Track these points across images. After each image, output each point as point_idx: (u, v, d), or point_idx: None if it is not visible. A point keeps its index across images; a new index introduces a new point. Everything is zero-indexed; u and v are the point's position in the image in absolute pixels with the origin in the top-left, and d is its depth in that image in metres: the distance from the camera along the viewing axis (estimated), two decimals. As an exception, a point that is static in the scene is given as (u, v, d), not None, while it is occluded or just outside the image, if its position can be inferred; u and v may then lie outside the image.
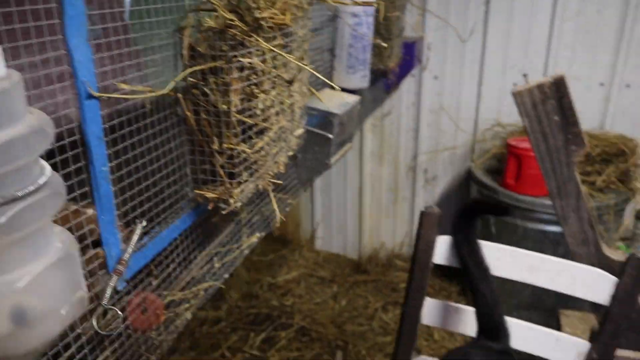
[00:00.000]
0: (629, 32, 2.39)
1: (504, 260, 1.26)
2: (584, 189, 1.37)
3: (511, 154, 2.19)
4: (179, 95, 0.90)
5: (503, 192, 2.23)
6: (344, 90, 1.68)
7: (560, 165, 1.34)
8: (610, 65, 2.46)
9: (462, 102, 2.70)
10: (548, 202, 2.13)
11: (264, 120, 0.99)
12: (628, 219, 2.36)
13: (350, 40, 1.60)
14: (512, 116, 2.61)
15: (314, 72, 1.08)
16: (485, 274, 1.21)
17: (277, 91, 1.02)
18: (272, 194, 1.13)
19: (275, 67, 0.98)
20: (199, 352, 2.42)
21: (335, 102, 1.47)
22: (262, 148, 1.01)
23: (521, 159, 2.15)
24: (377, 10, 1.87)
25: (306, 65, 1.08)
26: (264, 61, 0.95)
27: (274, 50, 0.89)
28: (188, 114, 0.92)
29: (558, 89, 1.27)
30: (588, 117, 2.54)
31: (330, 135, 1.43)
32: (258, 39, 0.86)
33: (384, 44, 1.89)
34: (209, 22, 0.85)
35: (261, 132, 1.00)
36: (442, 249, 1.33)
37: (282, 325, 2.59)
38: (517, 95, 1.30)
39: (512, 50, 2.56)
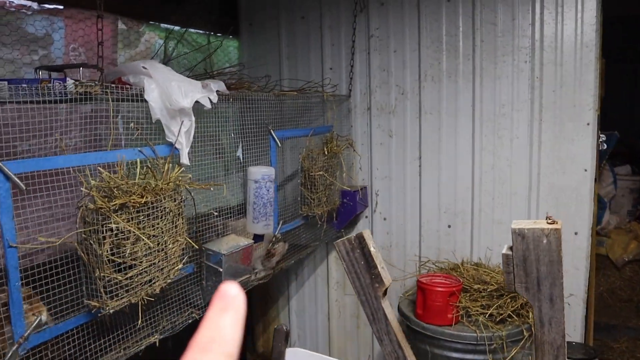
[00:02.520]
0: (536, 184, 2.93)
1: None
2: (392, 316, 1.90)
3: (419, 288, 2.70)
4: (76, 243, 1.64)
5: (415, 321, 2.71)
6: (255, 235, 2.39)
7: (370, 298, 1.90)
8: (525, 210, 2.98)
9: (407, 240, 3.28)
10: (449, 331, 2.59)
11: (133, 260, 1.70)
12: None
13: (253, 198, 2.33)
14: (447, 254, 3.14)
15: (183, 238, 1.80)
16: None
17: (145, 242, 1.73)
18: (140, 303, 1.80)
19: (142, 228, 1.71)
20: None
21: (230, 244, 2.17)
22: (131, 277, 1.71)
23: (425, 292, 2.65)
24: (302, 169, 2.63)
25: (173, 226, 1.81)
26: (136, 224, 1.68)
27: (122, 223, 1.63)
28: (82, 254, 1.65)
29: (360, 242, 1.88)
30: (514, 257, 3.00)
31: (220, 269, 2.11)
32: (114, 216, 1.60)
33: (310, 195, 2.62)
34: (92, 206, 1.61)
35: (131, 267, 1.71)
36: (290, 358, 1.90)
37: None
38: (336, 245, 1.92)
39: (443, 197, 3.16)
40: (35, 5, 2.63)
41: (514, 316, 2.61)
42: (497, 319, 2.59)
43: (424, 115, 3.20)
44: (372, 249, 1.87)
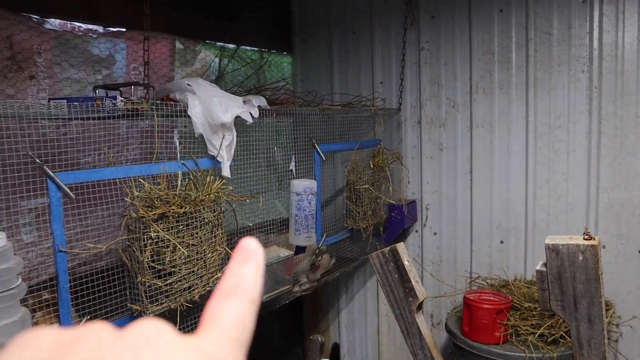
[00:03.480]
0: (595, 199, 2.81)
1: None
2: (427, 331, 1.89)
3: (465, 305, 2.64)
4: (120, 249, 1.77)
5: (461, 338, 2.65)
6: (297, 247, 2.45)
7: (404, 312, 1.90)
8: (583, 227, 2.85)
9: (457, 255, 3.22)
10: (495, 349, 2.52)
11: (172, 267, 1.80)
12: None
13: (295, 211, 2.39)
14: (499, 271, 3.05)
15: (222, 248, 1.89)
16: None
17: (186, 250, 1.83)
18: (179, 309, 1.89)
19: (182, 237, 1.81)
20: None
21: (270, 255, 2.24)
22: (170, 283, 1.81)
23: (472, 309, 2.60)
24: (347, 183, 2.67)
25: (212, 236, 1.90)
26: (175, 233, 1.79)
27: (161, 232, 1.73)
28: (125, 260, 1.77)
29: (394, 255, 1.88)
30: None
31: (260, 278, 2.17)
32: (154, 225, 1.71)
33: (355, 209, 2.65)
34: (134, 215, 1.73)
35: (170, 274, 1.81)
36: (323, 368, 1.93)
37: None
38: (370, 258, 1.94)
39: (495, 212, 3.08)
40: (100, 29, 2.84)
41: (567, 337, 2.50)
42: (549, 340, 2.50)
43: (475, 129, 3.15)
44: (406, 263, 1.87)
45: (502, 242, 3.09)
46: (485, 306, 2.56)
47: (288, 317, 3.73)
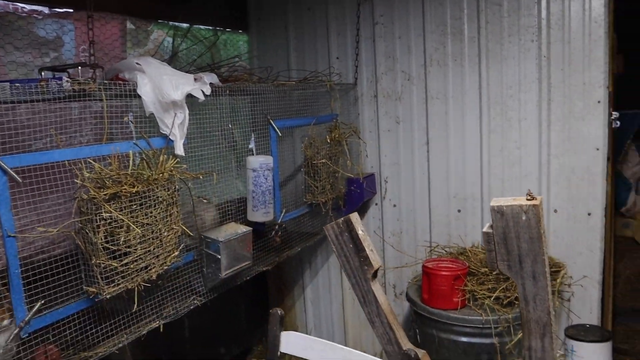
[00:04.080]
0: (547, 165, 2.91)
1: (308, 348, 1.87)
2: (383, 298, 1.94)
3: (424, 273, 2.71)
4: (73, 232, 1.75)
5: (421, 305, 2.73)
6: (256, 222, 2.47)
7: (360, 280, 1.94)
8: (536, 193, 2.94)
9: (417, 226, 3.29)
10: (454, 314, 2.60)
11: (128, 247, 1.80)
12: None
13: (252, 187, 2.41)
14: (458, 239, 3.14)
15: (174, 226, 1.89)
16: None
17: (140, 229, 1.83)
18: (137, 289, 1.89)
19: (136, 217, 1.81)
20: None
21: (228, 232, 2.25)
22: (126, 264, 1.81)
23: (430, 276, 2.67)
24: (305, 158, 2.69)
25: (167, 214, 1.90)
26: (129, 213, 1.78)
27: (113, 212, 1.72)
28: (79, 243, 1.76)
29: (348, 225, 1.92)
30: (525, 240, 2.99)
31: (219, 256, 2.19)
32: (106, 205, 1.70)
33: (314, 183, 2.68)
34: (85, 196, 1.72)
35: (126, 254, 1.81)
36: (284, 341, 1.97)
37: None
38: (325, 229, 1.97)
39: (452, 181, 3.16)
40: (46, 10, 2.76)
41: (522, 299, 2.60)
42: (504, 302, 2.59)
43: (430, 101, 3.20)
44: (360, 232, 1.91)
45: (459, 210, 3.17)
46: (443, 273, 2.64)
47: (253, 295, 3.77)
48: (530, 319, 1.66)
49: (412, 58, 3.24)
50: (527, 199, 1.60)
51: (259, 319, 3.74)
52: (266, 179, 2.40)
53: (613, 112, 2.86)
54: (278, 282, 3.83)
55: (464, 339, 2.60)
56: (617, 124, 2.87)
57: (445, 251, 3.10)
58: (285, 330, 1.98)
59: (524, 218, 1.58)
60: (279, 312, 2.00)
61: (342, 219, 1.93)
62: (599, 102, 2.81)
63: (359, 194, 3.12)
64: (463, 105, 3.11)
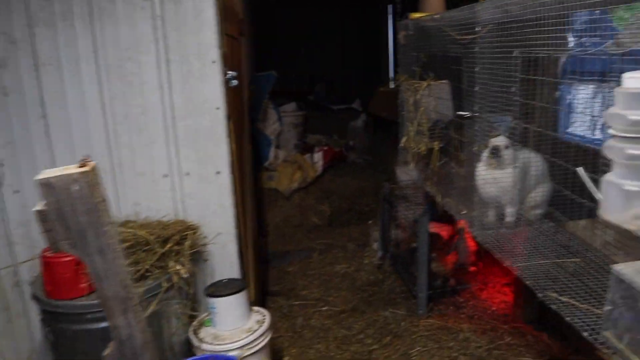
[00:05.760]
0: (172, 128, 2.85)
1: None
2: None
3: (44, 263, 2.40)
4: None
5: (47, 301, 2.41)
6: None
7: None
8: (166, 158, 2.89)
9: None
10: (81, 302, 2.37)
11: None
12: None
13: None
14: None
15: None
16: None
17: None
18: None
19: None
20: None
21: None
22: None
23: (51, 266, 2.37)
24: None
25: None
26: None
27: None
28: None
29: None
30: (164, 207, 2.92)
31: None
32: None
33: None
34: None
35: None
36: None
37: None
38: None
39: (78, 155, 2.86)
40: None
41: (156, 269, 2.52)
42: (137, 276, 2.47)
43: (42, 67, 2.80)
44: None
45: (92, 187, 2.90)
46: (64, 259, 2.36)
47: None
48: (107, 297, 1.53)
49: (14, 16, 2.77)
50: (79, 167, 1.43)
51: None
52: None
53: (228, 72, 2.95)
54: None
55: (100, 325, 2.39)
56: (233, 82, 2.98)
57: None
58: None
59: (77, 188, 1.41)
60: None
61: None
62: (214, 62, 2.85)
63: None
64: (79, 71, 2.81)
